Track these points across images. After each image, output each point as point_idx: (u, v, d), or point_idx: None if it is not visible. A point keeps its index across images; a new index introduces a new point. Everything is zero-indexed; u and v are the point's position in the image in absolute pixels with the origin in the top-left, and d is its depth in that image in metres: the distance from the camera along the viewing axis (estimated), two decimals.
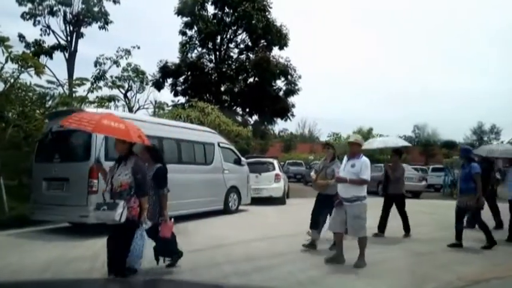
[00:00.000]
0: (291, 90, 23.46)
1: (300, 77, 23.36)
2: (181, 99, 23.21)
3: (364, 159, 5.18)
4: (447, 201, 13.74)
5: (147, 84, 20.76)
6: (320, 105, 69.82)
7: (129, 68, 19.00)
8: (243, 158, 11.83)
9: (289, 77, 23.21)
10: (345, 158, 5.38)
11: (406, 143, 10.55)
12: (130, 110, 19.15)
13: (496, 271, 4.84)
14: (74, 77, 16.23)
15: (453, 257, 5.70)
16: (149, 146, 4.90)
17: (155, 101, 20.37)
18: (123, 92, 19.43)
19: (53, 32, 18.07)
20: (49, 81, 13.47)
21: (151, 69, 29.88)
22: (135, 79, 19.65)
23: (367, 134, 42.31)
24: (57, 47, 18.09)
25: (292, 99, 23.70)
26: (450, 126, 53.13)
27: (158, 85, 22.53)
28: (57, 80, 15.23)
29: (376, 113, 66.25)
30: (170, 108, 20.21)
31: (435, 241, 6.74)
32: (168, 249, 4.83)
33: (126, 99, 20.34)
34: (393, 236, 7.17)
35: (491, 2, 72.14)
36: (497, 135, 46.65)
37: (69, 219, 7.80)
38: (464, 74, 70.67)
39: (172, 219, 4.93)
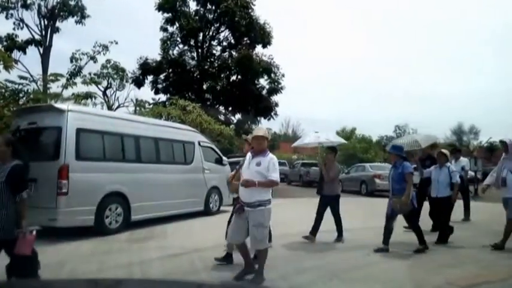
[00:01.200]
0: (274, 89, 23.24)
1: (283, 75, 23.18)
2: (162, 97, 22.72)
3: (271, 157, 4.49)
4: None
5: (127, 81, 20.25)
6: (304, 105, 70.13)
7: (108, 65, 18.47)
8: (224, 158, 11.53)
9: (272, 75, 22.98)
10: (249, 155, 4.64)
11: (341, 140, 9.39)
12: (110, 108, 18.61)
13: (486, 275, 4.68)
14: (49, 73, 15.64)
15: (439, 259, 5.53)
16: (10, 138, 4.04)
17: (136, 99, 19.88)
18: (102, 89, 18.87)
19: (27, 26, 17.46)
20: (21, 77, 12.92)
21: (130, 66, 29.23)
22: (115, 76, 19.11)
23: (350, 134, 42.65)
24: (31, 41, 17.43)
25: (275, 98, 23.51)
26: (430, 126, 54.01)
27: (138, 82, 22.00)
28: (31, 75, 14.68)
29: (360, 113, 67.11)
30: (151, 106, 19.73)
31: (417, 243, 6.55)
32: (25, 269, 3.76)
33: (105, 97, 19.79)
34: (374, 239, 6.90)
35: (469, 6, 73.83)
36: (476, 135, 47.65)
37: (37, 222, 7.28)
38: (446, 76, 72.07)
39: (34, 232, 3.81)
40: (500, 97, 64.68)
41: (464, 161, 8.95)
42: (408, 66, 76.65)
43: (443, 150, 7.16)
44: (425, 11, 75.49)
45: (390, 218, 6.04)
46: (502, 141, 6.38)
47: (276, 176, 4.42)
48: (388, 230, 6.00)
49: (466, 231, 7.50)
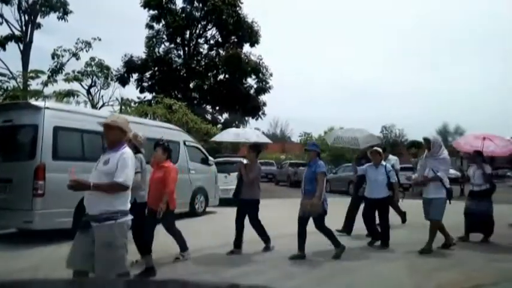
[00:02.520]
0: (262, 88, 23.14)
1: (271, 74, 23.12)
2: (148, 95, 22.38)
3: (123, 152, 3.36)
4: (416, 201, 13.72)
5: (111, 80, 19.79)
6: (292, 104, 70.20)
7: (92, 63, 17.99)
8: (210, 158, 11.31)
9: (260, 74, 22.85)
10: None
11: (265, 139, 8.18)
12: (94, 106, 18.15)
13: (476, 278, 4.57)
14: (29, 70, 15.17)
15: (428, 263, 5.41)
16: None
17: (121, 98, 19.46)
18: (86, 87, 18.40)
19: (7, 21, 16.87)
20: (0, 74, 12.46)
21: (115, 64, 28.68)
22: (99, 74, 18.65)
23: None
24: (11, 37, 16.89)
25: (263, 98, 23.40)
26: (416, 126, 54.61)
27: (123, 80, 21.61)
28: (10, 72, 14.23)
29: (348, 114, 67.30)
30: (136, 105, 19.37)
31: (407, 244, 6.44)
32: None
33: (90, 96, 19.31)
34: (361, 241, 6.76)
35: (458, 6, 74.94)
36: (461, 135, 48.39)
37: (12, 224, 7.03)
38: (432, 76, 73.03)
39: None
40: (486, 97, 65.89)
41: (393, 159, 8.43)
42: (395, 66, 77.44)
43: (378, 149, 6.74)
44: (411, 9, 76.43)
45: (302, 221, 5.61)
46: (425, 139, 6.05)
47: (122, 177, 3.25)
48: (301, 235, 5.57)
49: (452, 233, 7.42)
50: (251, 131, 7.87)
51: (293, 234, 6.53)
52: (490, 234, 6.75)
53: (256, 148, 6.45)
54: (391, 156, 8.38)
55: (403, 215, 8.48)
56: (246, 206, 6.04)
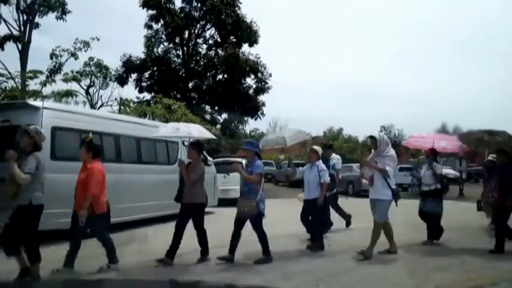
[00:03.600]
0: (261, 89, 23.10)
1: (270, 75, 23.08)
2: (147, 95, 22.32)
3: None
4: (415, 200, 13.73)
5: (110, 80, 19.71)
6: (291, 105, 69.96)
7: (91, 63, 17.92)
8: (210, 158, 11.29)
9: (259, 74, 22.83)
10: None
11: (208, 135, 7.23)
12: (93, 106, 18.10)
13: (475, 279, 4.57)
14: (27, 70, 15.13)
15: (426, 263, 5.40)
16: None
17: (120, 98, 19.40)
18: (85, 87, 18.34)
19: (5, 21, 16.78)
20: None
21: (114, 64, 28.60)
22: (98, 74, 18.58)
23: (338, 134, 42.83)
24: (10, 37, 16.81)
25: (262, 98, 23.38)
26: (415, 126, 54.61)
27: (122, 80, 21.53)
28: (8, 72, 14.18)
29: (347, 114, 67.27)
30: (135, 105, 19.33)
31: (407, 245, 6.43)
32: None
33: (88, 96, 19.25)
34: (359, 241, 6.73)
35: (456, 11, 75.01)
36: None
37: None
38: (431, 76, 73.10)
39: None
40: (485, 97, 65.99)
41: (335, 158, 7.96)
42: (394, 66, 77.50)
43: (315, 147, 6.53)
44: (411, 9, 76.47)
45: (238, 223, 5.44)
46: (371, 137, 5.86)
47: None
48: (234, 236, 5.39)
49: (450, 233, 7.41)
50: (193, 126, 7.08)
51: (291, 234, 6.53)
52: (436, 235, 6.59)
53: (198, 145, 5.91)
54: (334, 155, 7.98)
55: (347, 218, 8.13)
56: (188, 210, 5.45)
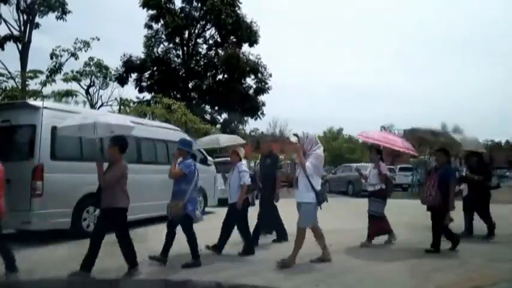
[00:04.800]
0: (261, 89, 23.13)
1: (270, 75, 23.10)
2: (147, 95, 22.35)
3: None
4: (415, 201, 13.72)
5: (110, 79, 19.72)
6: (291, 105, 70.02)
7: (91, 63, 17.92)
8: (209, 158, 11.28)
9: (259, 74, 22.84)
10: None
11: (128, 124, 5.72)
12: (93, 106, 18.10)
13: (475, 279, 4.57)
14: (28, 70, 15.12)
15: (427, 263, 5.39)
16: None
17: (120, 98, 19.41)
18: (85, 87, 18.34)
19: (5, 21, 16.78)
20: None
21: (114, 64, 28.61)
22: (98, 74, 18.58)
23: (338, 134, 42.82)
24: (10, 37, 16.81)
25: (262, 98, 23.39)
26: (415, 126, 54.57)
27: (122, 80, 21.54)
28: (8, 72, 14.18)
29: (347, 114, 67.37)
30: (135, 105, 19.34)
31: (407, 245, 6.43)
32: None
33: (88, 95, 19.25)
34: (357, 241, 6.72)
35: (456, 11, 74.99)
36: (460, 135, 48.38)
37: (10, 225, 6.96)
38: (430, 76, 73.08)
39: None
40: (484, 97, 65.97)
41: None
42: (394, 66, 77.46)
43: (236, 148, 6.21)
44: (411, 9, 76.44)
45: (169, 224, 5.30)
46: (295, 135, 5.51)
47: None
48: (167, 237, 5.22)
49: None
50: (110, 114, 5.64)
51: (291, 235, 6.52)
52: (375, 235, 6.44)
53: (118, 140, 4.91)
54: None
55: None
56: (107, 216, 4.80)
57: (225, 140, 7.28)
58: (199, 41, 23.54)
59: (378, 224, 6.47)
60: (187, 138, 6.38)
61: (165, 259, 5.21)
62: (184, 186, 5.16)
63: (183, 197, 5.12)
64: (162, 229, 5.61)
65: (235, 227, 6.00)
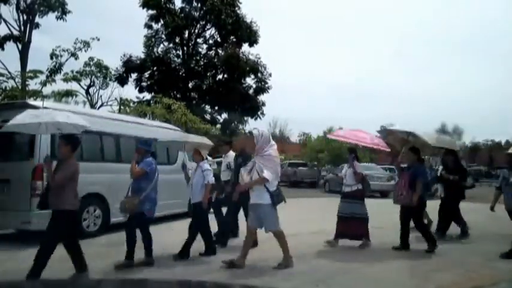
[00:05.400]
0: (261, 88, 23.15)
1: (270, 75, 23.12)
2: (147, 95, 22.36)
3: None
4: None
5: (110, 79, 19.71)
6: (291, 105, 70.14)
7: (91, 63, 17.92)
8: (209, 157, 11.27)
9: (259, 74, 22.86)
10: None
11: (81, 123, 4.99)
12: (93, 106, 18.10)
13: (475, 279, 4.57)
14: (28, 70, 15.12)
15: (427, 263, 5.40)
16: None
17: (120, 98, 19.41)
18: (85, 87, 18.34)
19: (5, 21, 16.77)
20: None
21: (114, 64, 28.61)
22: (98, 74, 18.57)
23: None
24: (10, 37, 16.80)
25: (262, 98, 23.41)
26: (415, 126, 54.57)
27: (122, 80, 21.54)
28: (8, 72, 14.17)
29: (347, 113, 67.29)
30: (135, 105, 19.35)
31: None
32: None
33: (88, 96, 19.25)
34: (356, 241, 6.71)
35: (456, 12, 74.98)
36: (459, 136, 48.48)
37: (10, 225, 7.00)
38: (430, 76, 73.08)
39: None
40: (484, 97, 65.96)
41: (231, 156, 7.09)
42: (394, 66, 77.46)
43: (199, 148, 6.05)
44: (411, 10, 76.44)
45: (127, 223, 5.28)
46: (249, 132, 5.43)
47: None
48: (127, 237, 5.13)
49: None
50: (61, 113, 5.07)
51: (291, 235, 6.51)
52: (363, 237, 6.31)
53: (71, 139, 4.64)
54: (230, 153, 7.21)
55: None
56: (54, 219, 4.50)
57: (193, 137, 7.03)
58: (199, 41, 23.59)
59: (365, 226, 6.32)
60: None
61: (131, 262, 5.06)
62: (144, 185, 5.15)
63: (139, 194, 5.10)
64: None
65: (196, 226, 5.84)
